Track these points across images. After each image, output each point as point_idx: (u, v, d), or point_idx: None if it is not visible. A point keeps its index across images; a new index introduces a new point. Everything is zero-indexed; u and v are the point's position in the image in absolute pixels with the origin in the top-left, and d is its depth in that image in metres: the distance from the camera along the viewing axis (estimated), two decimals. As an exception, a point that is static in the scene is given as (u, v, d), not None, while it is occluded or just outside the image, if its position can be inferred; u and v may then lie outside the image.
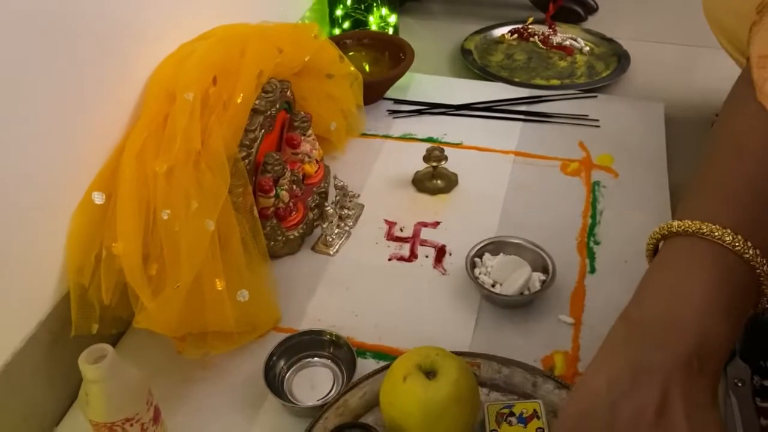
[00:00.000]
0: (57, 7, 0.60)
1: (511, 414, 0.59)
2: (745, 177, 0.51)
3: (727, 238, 0.47)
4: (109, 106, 0.69)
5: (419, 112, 1.05)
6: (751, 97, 0.53)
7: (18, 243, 0.59)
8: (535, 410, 0.59)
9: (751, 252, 0.47)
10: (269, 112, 0.75)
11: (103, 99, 0.68)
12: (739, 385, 0.66)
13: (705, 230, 0.48)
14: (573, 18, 1.31)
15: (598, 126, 1.01)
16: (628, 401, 0.43)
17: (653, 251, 0.54)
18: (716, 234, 0.47)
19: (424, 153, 0.89)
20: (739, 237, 0.47)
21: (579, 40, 1.24)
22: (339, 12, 1.22)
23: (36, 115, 0.59)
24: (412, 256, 0.81)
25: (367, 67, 1.11)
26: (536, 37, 1.26)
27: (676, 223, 0.50)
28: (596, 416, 0.44)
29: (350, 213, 0.86)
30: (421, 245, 0.82)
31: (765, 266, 0.47)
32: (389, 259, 0.81)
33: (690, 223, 0.48)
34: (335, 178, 0.86)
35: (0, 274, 0.58)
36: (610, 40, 1.23)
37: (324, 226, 0.82)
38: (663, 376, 0.43)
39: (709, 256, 0.47)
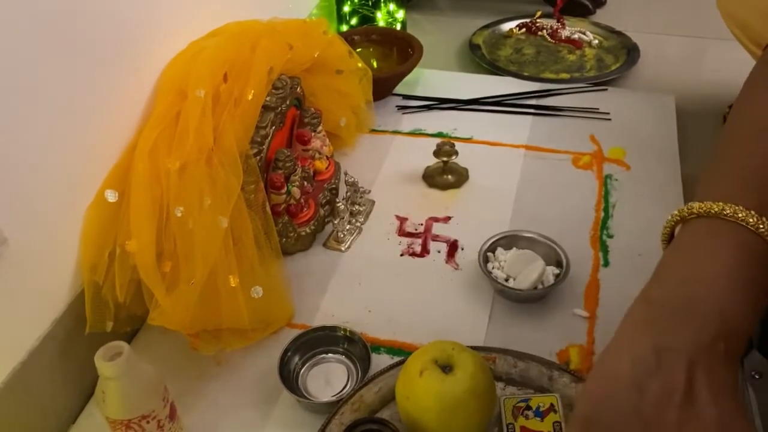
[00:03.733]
0: (70, 7, 0.60)
1: (528, 408, 0.59)
2: (766, 158, 0.50)
3: (751, 220, 0.46)
4: (121, 104, 0.69)
5: (428, 108, 1.05)
6: None
7: (32, 242, 0.59)
8: (552, 404, 0.59)
9: (747, 215, 0.46)
10: (280, 109, 0.75)
11: (115, 97, 0.68)
12: (757, 377, 0.65)
13: (728, 211, 0.46)
14: (581, 11, 1.30)
15: (609, 119, 1.00)
16: (654, 381, 0.42)
17: (670, 235, 0.52)
18: (740, 215, 0.46)
19: (434, 148, 0.88)
20: (764, 219, 0.46)
21: (588, 33, 1.24)
22: (346, 8, 1.22)
23: (49, 114, 0.59)
24: (424, 251, 0.81)
25: (375, 64, 1.11)
26: (545, 31, 1.26)
27: (697, 204, 0.48)
28: (621, 396, 0.42)
29: (361, 209, 0.85)
30: (433, 240, 0.82)
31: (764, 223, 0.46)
32: (401, 255, 0.81)
33: (712, 204, 0.47)
34: (346, 174, 0.85)
35: (15, 274, 0.58)
36: (618, 33, 1.22)
37: (335, 222, 0.82)
38: (688, 357, 0.42)
39: (732, 238, 0.46)
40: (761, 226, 0.46)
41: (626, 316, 0.47)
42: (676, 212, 0.51)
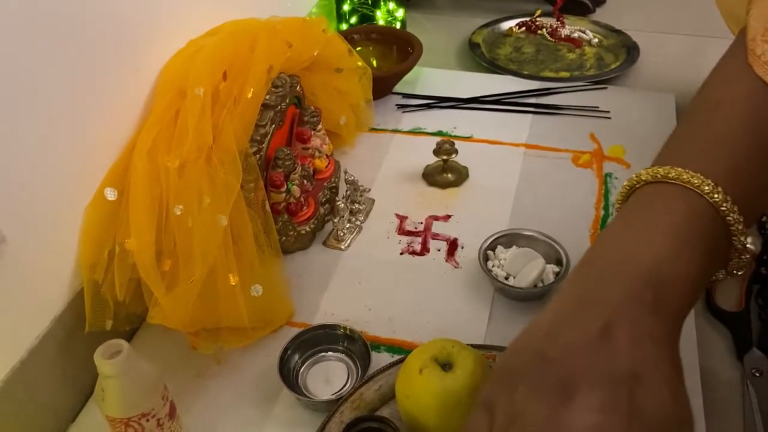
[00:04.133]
0: (69, 6, 0.60)
1: (528, 406, 0.59)
2: (719, 129, 0.49)
3: (695, 181, 0.45)
4: (119, 102, 0.69)
5: (428, 106, 1.05)
6: (737, 63, 0.52)
7: (32, 241, 0.59)
8: (551, 402, 0.59)
9: (719, 196, 0.45)
10: (279, 107, 0.75)
11: (114, 96, 0.68)
12: (756, 374, 0.66)
13: (673, 174, 0.46)
14: (581, 10, 1.30)
15: (609, 117, 1.00)
16: (569, 330, 0.40)
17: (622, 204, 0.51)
18: (684, 177, 0.45)
19: (434, 147, 0.88)
20: (708, 181, 0.45)
21: (587, 32, 1.24)
22: (346, 7, 1.21)
23: (48, 113, 0.59)
24: (424, 249, 0.81)
25: (375, 62, 1.11)
26: (544, 29, 1.26)
27: (644, 171, 0.48)
28: (533, 344, 0.41)
29: (361, 207, 0.85)
30: (433, 239, 0.82)
31: (735, 214, 0.45)
32: (401, 253, 0.81)
33: (658, 169, 0.47)
34: (345, 172, 0.85)
35: (15, 272, 0.58)
36: (618, 32, 1.22)
37: (335, 220, 0.82)
38: (610, 307, 0.40)
39: (677, 200, 0.45)
40: (706, 188, 0.45)
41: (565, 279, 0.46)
42: (625, 182, 0.50)
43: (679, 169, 0.46)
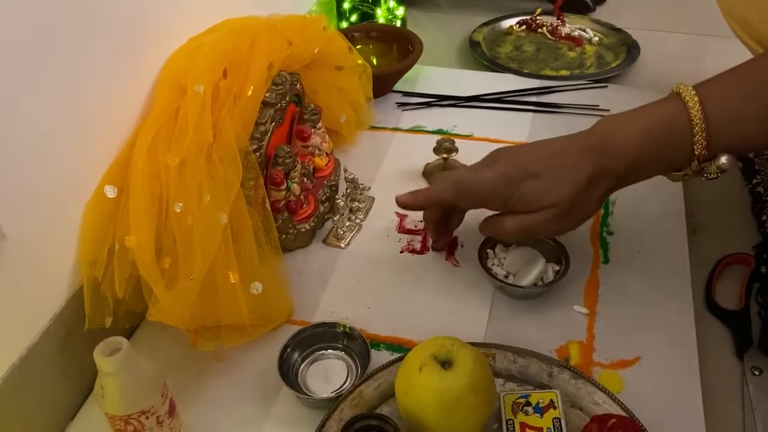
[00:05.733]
0: (70, 4, 0.60)
1: (528, 404, 0.59)
2: (731, 76, 0.61)
3: (686, 96, 0.58)
4: (119, 99, 0.69)
5: (428, 105, 1.05)
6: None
7: (31, 238, 0.59)
8: (551, 400, 0.59)
9: (693, 101, 0.58)
10: (279, 105, 0.75)
11: (114, 93, 0.68)
12: (756, 373, 0.66)
13: (678, 89, 0.60)
14: (581, 8, 1.30)
15: (609, 116, 1.00)
16: (520, 171, 0.63)
17: None
18: (681, 89, 0.59)
19: (434, 145, 0.88)
20: (693, 92, 0.58)
21: (588, 30, 1.24)
22: (346, 5, 1.21)
23: (48, 110, 0.59)
24: (424, 248, 0.81)
25: (375, 60, 1.11)
26: (545, 28, 1.25)
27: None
28: (492, 176, 0.65)
29: (361, 206, 0.85)
30: (433, 237, 0.82)
31: (700, 117, 0.57)
32: (401, 252, 0.80)
33: (679, 85, 0.61)
34: (345, 170, 0.85)
35: (14, 269, 0.58)
36: (619, 30, 1.22)
37: (335, 219, 0.82)
38: (571, 141, 0.62)
39: (666, 103, 0.60)
40: (687, 96, 0.59)
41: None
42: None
43: (683, 85, 0.60)
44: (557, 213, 0.61)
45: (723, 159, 0.59)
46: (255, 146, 0.72)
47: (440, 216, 0.73)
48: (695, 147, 0.59)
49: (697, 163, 0.60)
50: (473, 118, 1.01)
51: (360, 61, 0.93)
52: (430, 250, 0.80)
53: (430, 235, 0.72)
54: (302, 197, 0.81)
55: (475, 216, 0.84)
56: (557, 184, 0.60)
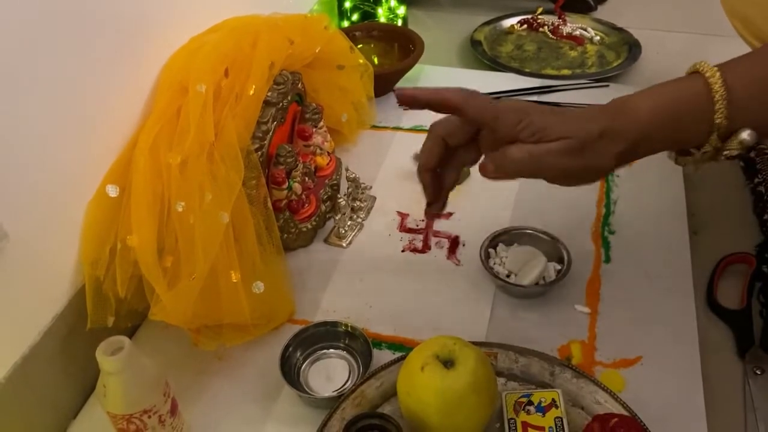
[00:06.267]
0: (71, 3, 0.60)
1: (530, 403, 0.59)
2: (751, 55, 0.60)
3: (707, 73, 0.55)
4: (121, 99, 0.69)
5: (430, 104, 1.05)
6: None
7: (33, 237, 0.59)
8: (553, 399, 0.59)
9: (712, 72, 0.55)
10: (281, 104, 0.75)
11: (116, 92, 0.68)
12: (758, 373, 0.66)
13: (701, 67, 0.57)
14: (582, 8, 1.30)
15: (611, 115, 1.00)
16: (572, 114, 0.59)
17: None
18: (704, 67, 0.56)
19: (435, 144, 0.88)
20: (715, 69, 0.55)
21: (589, 29, 1.24)
22: (348, 4, 1.21)
23: (50, 110, 0.59)
24: (426, 247, 0.81)
25: (376, 60, 1.11)
26: (546, 27, 1.25)
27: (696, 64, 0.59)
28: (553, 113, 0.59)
29: (362, 205, 0.85)
30: (435, 236, 0.82)
31: (720, 85, 0.55)
32: (402, 251, 0.81)
33: (702, 63, 0.57)
34: (347, 170, 0.85)
35: (16, 269, 0.58)
36: (620, 30, 1.22)
37: (336, 218, 0.82)
38: (593, 108, 0.59)
39: (687, 80, 0.57)
40: (708, 73, 0.55)
41: None
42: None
43: (700, 63, 0.57)
44: (567, 146, 0.57)
45: (745, 134, 0.56)
46: (257, 145, 0.72)
47: (439, 159, 0.66)
48: (715, 116, 0.56)
49: (717, 137, 0.57)
50: (474, 117, 1.01)
51: (361, 61, 0.93)
52: (426, 220, 0.81)
53: (424, 194, 0.66)
54: (304, 196, 0.81)
55: (474, 215, 0.84)
56: (570, 121, 0.58)
